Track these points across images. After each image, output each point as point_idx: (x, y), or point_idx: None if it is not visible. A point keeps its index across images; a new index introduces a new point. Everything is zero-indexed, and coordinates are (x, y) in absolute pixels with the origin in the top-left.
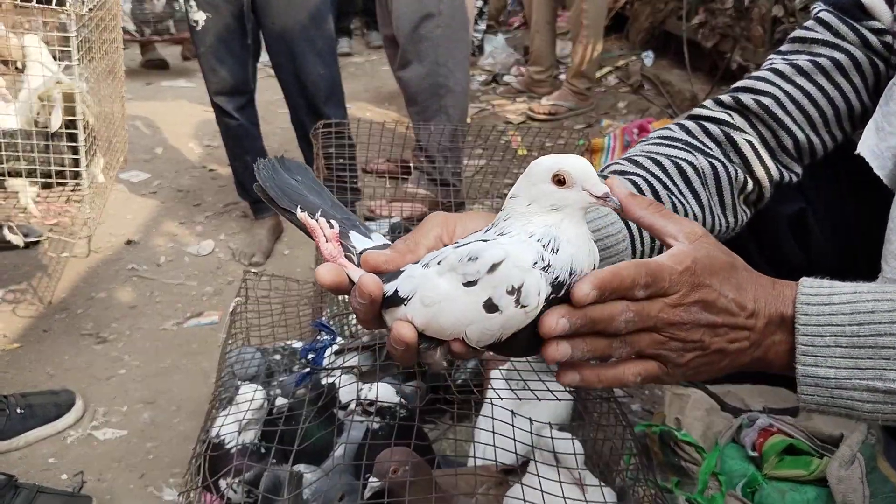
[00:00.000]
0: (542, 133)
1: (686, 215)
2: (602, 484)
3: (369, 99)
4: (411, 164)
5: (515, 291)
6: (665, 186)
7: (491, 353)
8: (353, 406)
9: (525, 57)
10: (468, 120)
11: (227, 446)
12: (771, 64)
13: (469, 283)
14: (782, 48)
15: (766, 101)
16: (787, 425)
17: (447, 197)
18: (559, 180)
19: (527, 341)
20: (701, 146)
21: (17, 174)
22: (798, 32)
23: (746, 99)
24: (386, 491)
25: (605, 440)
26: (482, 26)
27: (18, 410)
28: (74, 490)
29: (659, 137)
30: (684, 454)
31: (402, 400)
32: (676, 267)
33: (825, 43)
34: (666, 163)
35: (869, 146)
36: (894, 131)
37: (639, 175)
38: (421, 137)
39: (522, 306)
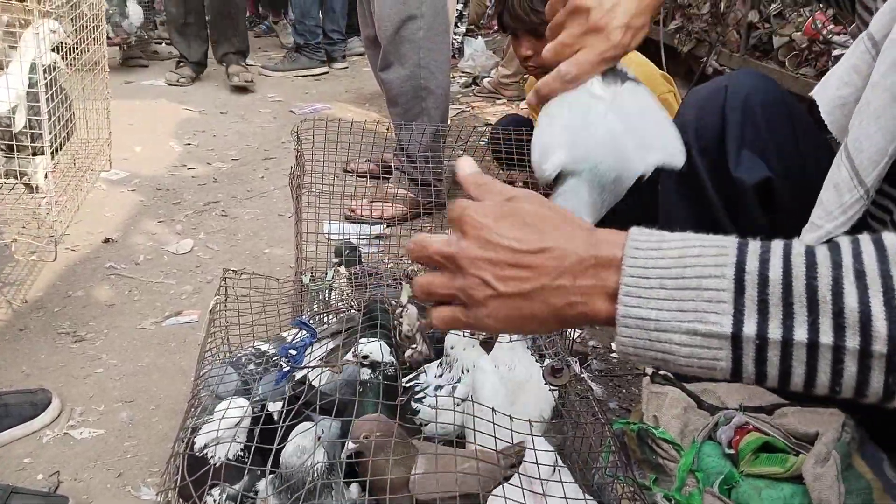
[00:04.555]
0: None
1: None
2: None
3: (350, 100)
4: (392, 165)
5: None
6: None
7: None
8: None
9: (503, 60)
10: (448, 121)
11: (210, 460)
12: None
13: None
14: None
15: None
16: (763, 423)
17: (428, 197)
18: None
19: None
20: None
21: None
22: None
23: None
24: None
25: (584, 437)
26: (462, 29)
27: None
28: (50, 490)
29: None
30: (662, 452)
31: (392, 359)
32: (453, 210)
33: None
34: None
35: (826, 94)
36: (851, 82)
37: None
38: (402, 138)
39: None
